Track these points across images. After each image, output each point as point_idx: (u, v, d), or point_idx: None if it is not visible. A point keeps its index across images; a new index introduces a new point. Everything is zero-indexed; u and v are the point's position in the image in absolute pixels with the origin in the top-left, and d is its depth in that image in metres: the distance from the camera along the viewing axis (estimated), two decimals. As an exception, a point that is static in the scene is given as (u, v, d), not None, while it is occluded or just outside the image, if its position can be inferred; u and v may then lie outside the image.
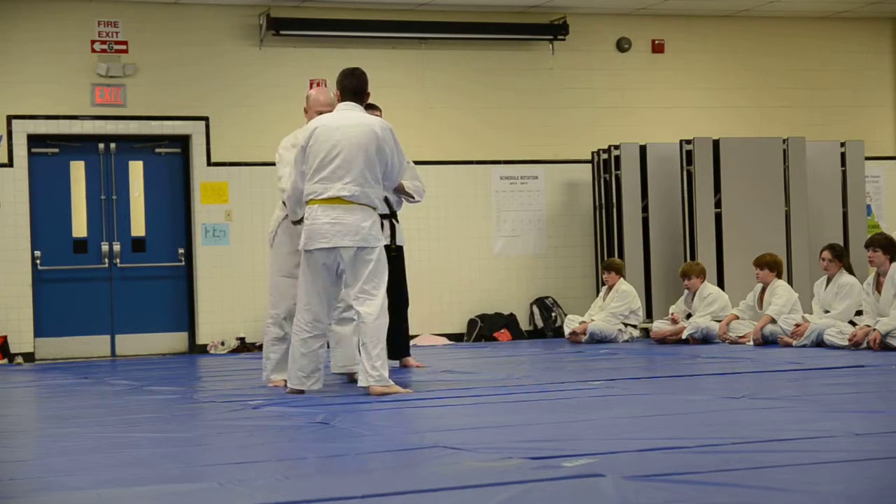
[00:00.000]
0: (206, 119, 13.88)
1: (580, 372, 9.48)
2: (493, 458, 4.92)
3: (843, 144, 14.70)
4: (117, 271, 13.82)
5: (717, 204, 13.93)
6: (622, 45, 15.21)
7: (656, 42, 15.35)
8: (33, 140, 13.49)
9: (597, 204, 14.70)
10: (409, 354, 10.27)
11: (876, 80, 16.12)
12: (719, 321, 12.29)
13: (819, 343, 10.99)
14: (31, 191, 13.44)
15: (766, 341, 11.63)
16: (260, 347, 13.23)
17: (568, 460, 4.72)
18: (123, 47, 13.64)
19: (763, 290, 12.13)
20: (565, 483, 4.33)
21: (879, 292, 10.73)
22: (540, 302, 14.81)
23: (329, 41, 14.22)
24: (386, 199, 9.21)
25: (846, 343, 10.64)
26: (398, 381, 7.93)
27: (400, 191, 9.44)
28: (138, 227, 13.91)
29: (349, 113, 7.91)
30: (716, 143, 14.04)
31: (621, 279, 13.24)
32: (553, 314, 14.72)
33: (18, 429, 6.99)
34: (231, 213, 13.91)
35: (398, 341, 9.86)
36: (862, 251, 11.77)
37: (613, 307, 13.08)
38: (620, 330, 13.05)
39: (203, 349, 13.78)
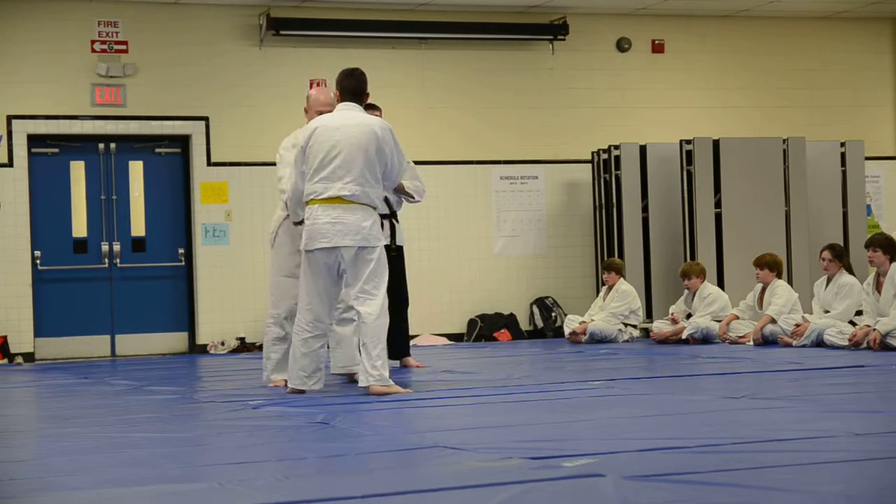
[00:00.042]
0: (206, 119, 13.88)
1: (580, 372, 9.48)
2: (493, 458, 4.92)
3: (843, 144, 14.70)
4: (117, 271, 13.82)
5: (717, 204, 13.94)
6: (622, 45, 15.21)
7: (656, 42, 15.35)
8: (33, 140, 13.49)
9: (597, 204, 14.70)
10: (409, 354, 10.27)
11: (876, 80, 16.13)
12: (719, 321, 12.29)
13: (819, 343, 10.99)
14: (31, 191, 13.45)
15: (766, 341, 11.63)
16: (260, 347, 13.23)
17: (568, 460, 4.72)
18: (123, 47, 13.64)
19: (763, 290, 12.13)
20: (565, 483, 4.33)
21: (879, 292, 10.73)
22: (540, 302, 14.81)
23: (329, 41, 14.22)
24: (386, 199, 9.21)
25: (846, 343, 10.64)
26: (398, 381, 7.93)
27: (400, 191, 9.44)
28: (138, 227, 13.91)
29: (349, 113, 7.91)
30: (716, 143, 14.04)
31: (621, 279, 13.24)
32: (553, 314, 14.72)
33: (18, 429, 6.99)
34: (231, 213, 13.91)
35: (398, 341, 9.86)
36: (862, 251, 11.77)
37: (613, 307, 13.08)
38: (620, 330, 13.05)
39: (203, 349, 13.78)
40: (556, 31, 14.79)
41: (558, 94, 15.00)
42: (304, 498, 4.19)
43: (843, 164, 14.63)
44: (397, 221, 9.83)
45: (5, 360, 13.05)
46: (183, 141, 13.97)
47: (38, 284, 13.50)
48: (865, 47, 16.07)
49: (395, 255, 9.48)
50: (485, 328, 14.51)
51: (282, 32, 13.94)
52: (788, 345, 11.25)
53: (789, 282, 12.89)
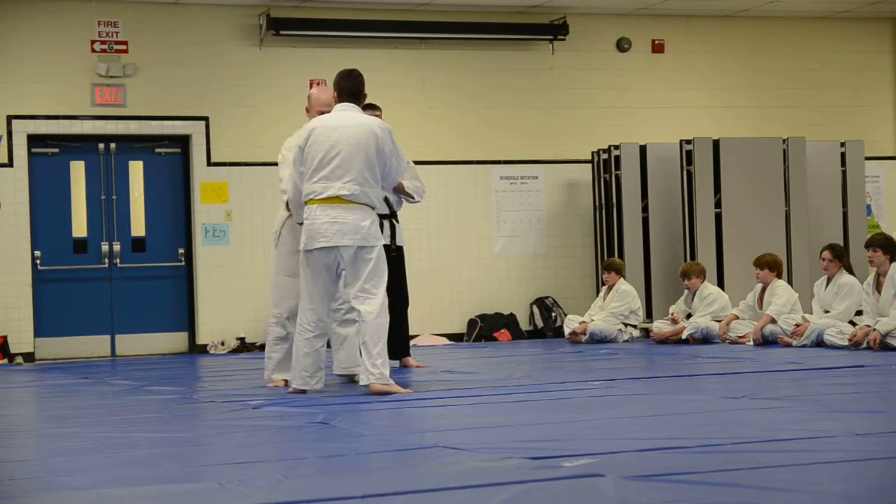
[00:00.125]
0: (206, 119, 13.88)
1: (580, 372, 9.48)
2: (493, 458, 4.92)
3: (843, 144, 14.70)
4: (117, 271, 13.82)
5: (717, 204, 13.94)
6: (622, 45, 15.21)
7: (656, 42, 15.35)
8: (33, 140, 13.49)
9: (597, 204, 14.70)
10: (409, 354, 10.27)
11: (876, 80, 16.13)
12: (719, 321, 12.29)
13: (819, 343, 10.99)
14: (31, 191, 13.45)
15: (766, 341, 11.63)
16: (260, 347, 13.27)
17: (568, 460, 4.72)
18: (123, 47, 13.64)
19: (763, 290, 12.13)
20: (565, 483, 4.33)
21: (879, 292, 10.73)
22: (540, 302, 14.81)
23: (329, 41, 14.22)
24: (386, 199, 9.21)
25: (846, 343, 10.64)
26: (398, 381, 7.93)
27: (400, 191, 9.45)
28: (138, 227, 13.91)
29: (347, 113, 7.92)
30: (716, 143, 14.04)
31: (621, 279, 13.24)
32: (553, 314, 14.72)
33: (18, 429, 6.99)
34: (231, 213, 13.91)
35: (398, 341, 9.85)
36: (862, 251, 11.77)
37: (613, 307, 13.08)
38: (620, 330, 13.05)
39: (203, 349, 13.78)
40: (556, 31, 14.79)
41: (558, 94, 15.00)
42: (304, 498, 4.19)
43: (843, 164, 14.63)
44: (397, 221, 9.83)
45: (5, 360, 13.05)
46: (183, 141, 13.97)
47: (38, 284, 13.50)
48: (865, 47, 16.07)
49: (395, 256, 9.48)
50: (485, 328, 14.51)
51: (282, 32, 13.94)
52: (788, 345, 11.25)
53: (789, 282, 12.89)
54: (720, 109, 15.49)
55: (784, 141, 14.28)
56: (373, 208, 7.86)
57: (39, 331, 13.45)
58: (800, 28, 15.84)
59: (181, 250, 13.99)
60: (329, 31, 14.14)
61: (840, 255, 11.43)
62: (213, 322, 13.82)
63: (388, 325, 7.78)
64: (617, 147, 14.30)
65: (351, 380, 8.62)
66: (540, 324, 14.72)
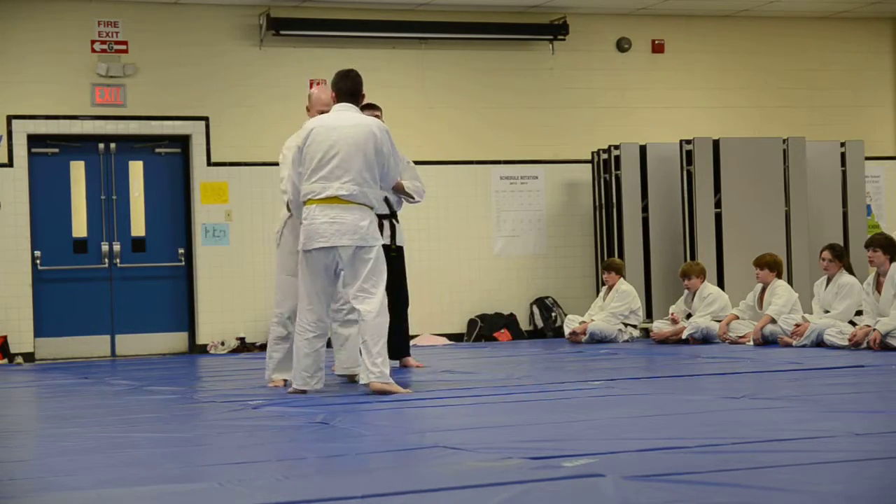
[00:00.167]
0: (206, 119, 13.88)
1: (580, 372, 9.48)
2: (493, 458, 4.92)
3: (843, 144, 14.70)
4: (117, 271, 13.82)
5: (717, 204, 13.94)
6: (622, 45, 15.21)
7: (656, 42, 15.35)
8: (33, 140, 13.49)
9: (597, 204, 14.70)
10: (409, 354, 10.27)
11: (876, 80, 16.13)
12: (719, 321, 12.28)
13: (819, 343, 10.99)
14: (31, 191, 13.45)
15: (766, 341, 11.63)
16: (260, 347, 13.28)
17: (568, 460, 4.72)
18: (123, 47, 13.64)
19: (763, 290, 12.13)
20: (565, 483, 4.33)
21: (879, 292, 10.73)
22: (540, 302, 14.81)
23: (329, 41, 14.22)
24: (386, 200, 9.21)
25: (846, 343, 10.64)
26: (398, 381, 7.93)
27: (399, 191, 9.45)
28: (138, 227, 13.91)
29: (346, 114, 7.92)
30: (716, 143, 14.04)
31: (621, 279, 13.24)
32: (553, 314, 14.72)
33: (18, 429, 6.99)
34: (231, 213, 13.91)
35: (398, 341, 9.85)
36: (862, 251, 11.77)
37: (613, 307, 13.08)
38: (620, 330, 13.05)
39: (203, 349, 13.78)
40: (556, 31, 14.79)
41: (558, 94, 15.00)
42: (304, 498, 4.19)
43: (843, 164, 14.63)
44: (397, 222, 9.83)
45: (5, 360, 13.05)
46: (183, 141, 13.97)
47: (38, 284, 13.50)
48: (865, 47, 16.07)
49: (395, 256, 9.48)
50: (485, 328, 14.50)
51: (282, 32, 13.94)
52: (788, 345, 11.25)
53: (789, 282, 12.89)
54: (720, 109, 15.49)
55: (784, 141, 14.28)
56: (371, 208, 7.86)
57: (39, 331, 13.45)
58: (800, 28, 15.84)
59: (181, 250, 13.99)
60: (329, 31, 14.15)
61: (840, 255, 11.43)
62: (213, 322, 13.82)
63: (388, 325, 7.78)
64: (617, 147, 14.30)
65: (352, 380, 8.62)
66: (540, 324, 14.72)
